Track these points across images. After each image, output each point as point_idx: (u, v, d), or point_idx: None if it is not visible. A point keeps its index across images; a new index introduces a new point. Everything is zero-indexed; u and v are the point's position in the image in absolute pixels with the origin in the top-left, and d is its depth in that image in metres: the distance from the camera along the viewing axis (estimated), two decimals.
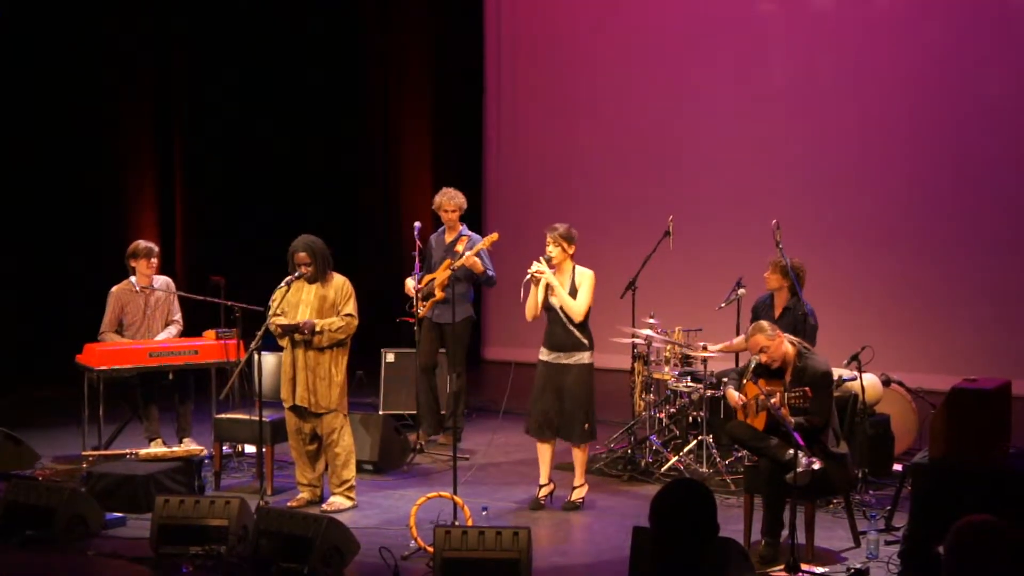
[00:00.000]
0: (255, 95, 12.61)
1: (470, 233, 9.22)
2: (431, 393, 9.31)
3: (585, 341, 7.47)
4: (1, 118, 11.10)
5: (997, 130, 11.11)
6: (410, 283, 9.12)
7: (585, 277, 7.51)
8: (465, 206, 9.20)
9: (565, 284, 7.48)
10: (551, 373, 7.51)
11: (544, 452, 7.62)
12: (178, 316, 8.95)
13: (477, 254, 8.93)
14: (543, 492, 7.61)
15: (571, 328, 7.45)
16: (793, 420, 6.44)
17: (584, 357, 7.48)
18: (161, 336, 8.78)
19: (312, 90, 12.94)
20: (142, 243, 8.91)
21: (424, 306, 9.03)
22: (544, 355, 7.56)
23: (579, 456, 7.61)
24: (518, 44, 12.98)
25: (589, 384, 7.51)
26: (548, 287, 7.47)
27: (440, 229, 9.22)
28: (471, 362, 9.07)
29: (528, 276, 7.46)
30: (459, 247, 9.07)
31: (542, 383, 7.53)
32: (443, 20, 13.11)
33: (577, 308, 7.42)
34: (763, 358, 6.67)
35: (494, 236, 8.59)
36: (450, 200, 9.11)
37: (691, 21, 12.17)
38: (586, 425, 7.50)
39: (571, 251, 7.53)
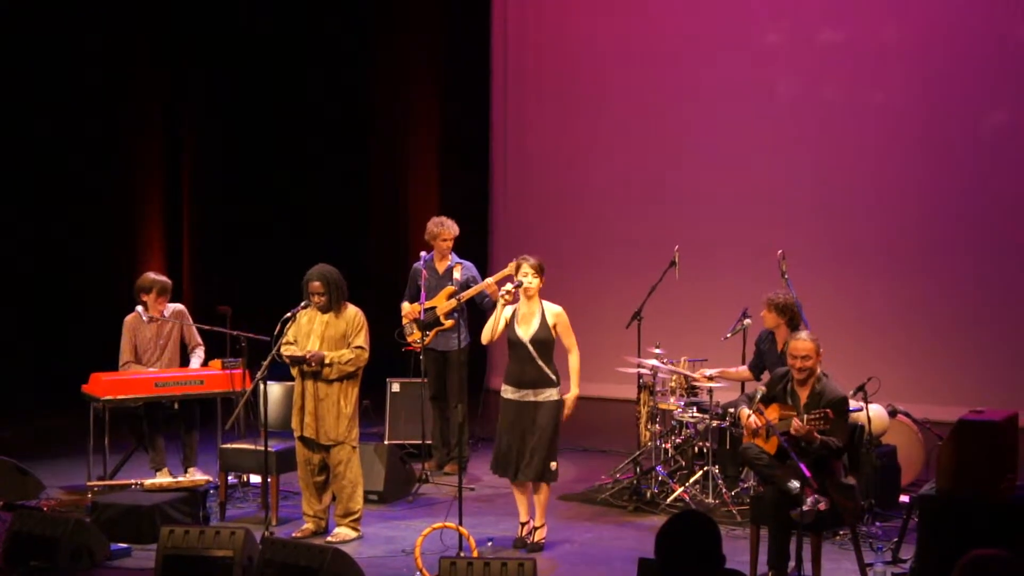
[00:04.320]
0: (262, 126, 12.67)
1: (462, 260, 9.27)
2: (442, 423, 9.34)
3: (554, 377, 7.31)
4: (10, 148, 11.15)
5: (1007, 160, 11.12)
6: (406, 306, 9.20)
7: (561, 318, 7.34)
8: (458, 234, 9.26)
9: (535, 317, 7.33)
10: (518, 411, 7.32)
11: (521, 489, 7.45)
12: (199, 338, 8.98)
13: (475, 280, 9.11)
14: (526, 530, 7.46)
15: (541, 364, 7.28)
16: (819, 438, 6.42)
17: (553, 394, 7.30)
18: (194, 364, 8.82)
19: (319, 120, 13.00)
20: (150, 277, 8.88)
21: (429, 335, 9.06)
22: (509, 393, 7.36)
23: (543, 496, 7.41)
24: (524, 73, 13.03)
25: (557, 421, 7.32)
26: (514, 319, 7.34)
27: (428, 256, 9.23)
28: (477, 392, 9.08)
29: (502, 291, 7.33)
30: (456, 275, 9.13)
31: (508, 422, 7.35)
32: (450, 50, 13.18)
33: (577, 361, 7.39)
34: (797, 364, 6.69)
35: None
36: (448, 229, 9.20)
37: (697, 49, 12.21)
38: (553, 464, 7.31)
39: (542, 283, 7.40)
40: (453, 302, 9.09)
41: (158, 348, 8.82)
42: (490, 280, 9.01)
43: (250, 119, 12.61)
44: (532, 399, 7.30)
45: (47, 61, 11.30)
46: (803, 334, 6.87)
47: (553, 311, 7.37)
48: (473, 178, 13.17)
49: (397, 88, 13.33)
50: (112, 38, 11.71)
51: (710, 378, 8.47)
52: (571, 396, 7.40)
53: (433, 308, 9.10)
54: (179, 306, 9.00)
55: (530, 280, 7.35)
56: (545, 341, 7.31)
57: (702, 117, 12.17)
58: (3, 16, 10.93)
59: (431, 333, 9.10)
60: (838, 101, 11.68)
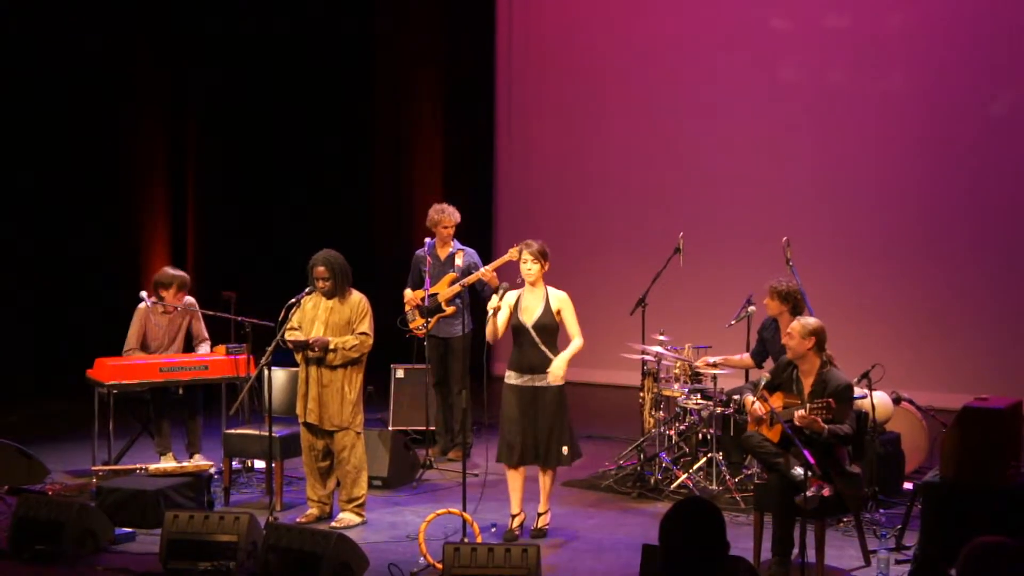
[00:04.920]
0: (267, 118, 12.65)
1: (464, 247, 9.28)
2: (445, 409, 9.36)
3: None
4: (18, 134, 11.15)
5: (1011, 147, 11.10)
6: (408, 293, 9.22)
7: (565, 303, 7.30)
8: (459, 221, 9.25)
9: (539, 304, 7.27)
10: (523, 397, 7.27)
11: (515, 480, 7.39)
12: (205, 333, 8.98)
13: (476, 266, 9.11)
14: (516, 523, 7.40)
15: (544, 349, 7.24)
16: (827, 427, 6.41)
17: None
18: (199, 352, 8.86)
19: (323, 108, 12.99)
20: (169, 272, 8.88)
21: (431, 322, 9.07)
22: (513, 379, 7.31)
23: (548, 481, 7.37)
24: (528, 63, 13.01)
25: (564, 405, 7.29)
26: (518, 305, 7.30)
27: (431, 243, 9.23)
28: (481, 378, 9.07)
29: (489, 306, 7.27)
30: (458, 261, 9.14)
31: (514, 408, 7.30)
32: (455, 43, 13.17)
33: (579, 344, 7.28)
34: (784, 339, 6.77)
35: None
36: (449, 216, 9.21)
37: (701, 40, 12.19)
38: (565, 449, 7.27)
39: (546, 268, 7.33)
40: (456, 288, 9.10)
41: (167, 338, 8.84)
42: (487, 268, 8.98)
43: (252, 117, 12.58)
44: (538, 384, 7.26)
45: (48, 60, 11.29)
46: (803, 318, 6.88)
47: (557, 296, 7.34)
48: (477, 170, 13.16)
49: (400, 86, 13.31)
50: (112, 38, 11.70)
51: (713, 365, 8.47)
52: (561, 360, 7.23)
53: (435, 294, 9.10)
54: (190, 299, 9.01)
55: (529, 268, 7.28)
56: (548, 326, 7.27)
57: (706, 105, 12.14)
58: (3, 16, 10.92)
59: (433, 319, 9.11)
60: (841, 89, 11.65)
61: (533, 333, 7.26)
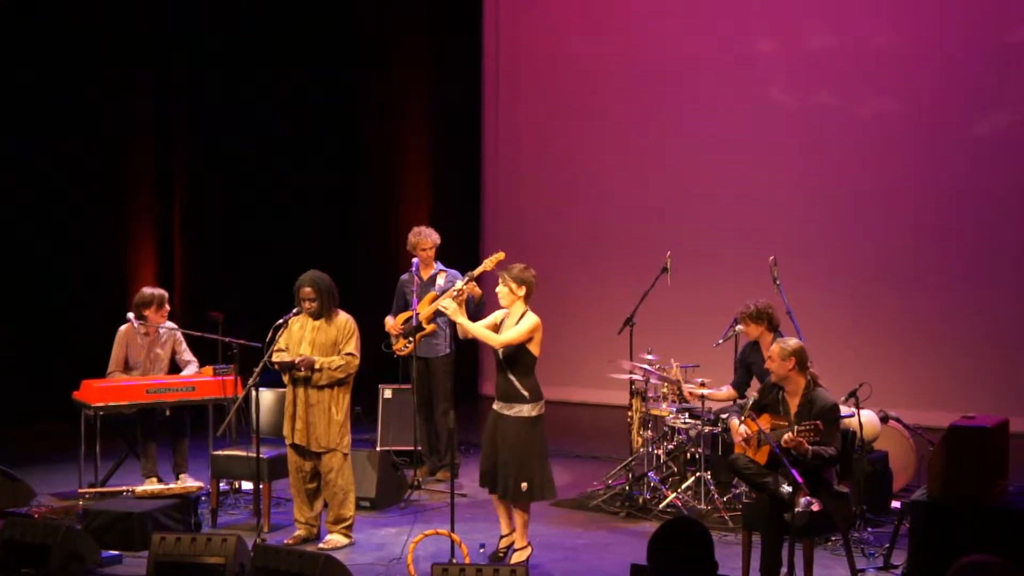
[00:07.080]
0: (254, 132, 12.65)
1: (447, 269, 9.29)
2: (427, 430, 9.33)
3: (526, 393, 6.96)
4: (5, 155, 11.15)
5: (1000, 168, 11.13)
6: (389, 321, 9.22)
7: (527, 319, 7.00)
8: (439, 242, 9.27)
9: (512, 326, 7.06)
10: (494, 422, 7.11)
11: (496, 501, 7.28)
12: (190, 355, 8.93)
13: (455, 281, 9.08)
14: (503, 543, 7.30)
15: (511, 378, 6.98)
16: (811, 448, 6.40)
17: (524, 409, 6.97)
18: (185, 373, 8.82)
19: (310, 126, 13.00)
20: (148, 291, 8.83)
21: (414, 340, 9.05)
22: (495, 403, 7.15)
23: (518, 515, 7.10)
24: (517, 77, 13.05)
25: (528, 439, 6.98)
26: (500, 328, 7.12)
27: (415, 264, 9.24)
28: (471, 398, 9.07)
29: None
30: (440, 281, 9.16)
31: (487, 432, 7.21)
32: (442, 67, 13.20)
33: (497, 340, 6.96)
34: (768, 364, 6.76)
35: (500, 255, 8.27)
36: (427, 238, 9.22)
37: (690, 60, 12.23)
38: (523, 484, 6.97)
39: (521, 293, 7.03)
40: (435, 306, 9.08)
41: (148, 361, 8.80)
42: (468, 276, 8.91)
43: (240, 140, 12.57)
44: (504, 412, 7.08)
45: (39, 69, 11.30)
46: (782, 340, 6.87)
47: (530, 320, 7.04)
48: (465, 192, 13.18)
49: (388, 109, 13.33)
50: (107, 40, 11.70)
51: (701, 397, 8.44)
52: (460, 313, 7.12)
53: (416, 314, 9.10)
54: (172, 324, 8.99)
55: (498, 289, 7.14)
56: (514, 354, 7.01)
57: (694, 126, 12.18)
58: None
59: (416, 338, 9.10)
60: (832, 108, 11.70)
61: (500, 358, 7.08)
